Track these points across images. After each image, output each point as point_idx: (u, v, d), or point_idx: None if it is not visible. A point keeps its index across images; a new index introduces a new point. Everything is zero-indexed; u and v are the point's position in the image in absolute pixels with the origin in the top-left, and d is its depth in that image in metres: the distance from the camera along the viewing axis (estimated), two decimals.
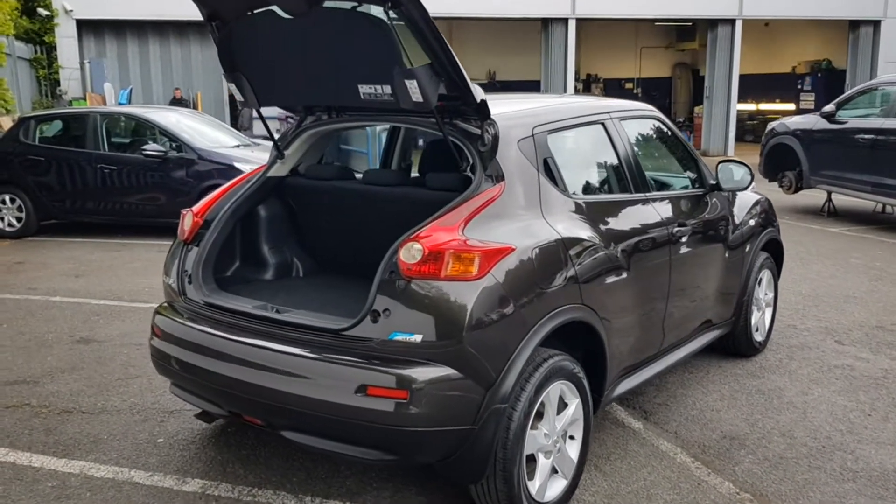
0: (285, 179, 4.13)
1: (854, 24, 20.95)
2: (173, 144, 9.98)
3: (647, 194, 4.17)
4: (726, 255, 4.86)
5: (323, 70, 3.43)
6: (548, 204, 3.44)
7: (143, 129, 10.46)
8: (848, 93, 11.15)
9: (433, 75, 3.12)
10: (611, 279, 3.65)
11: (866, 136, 10.14)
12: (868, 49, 20.85)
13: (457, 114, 3.45)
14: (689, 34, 26.63)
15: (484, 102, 3.26)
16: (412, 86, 3.11)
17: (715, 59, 20.25)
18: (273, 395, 3.14)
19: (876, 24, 20.66)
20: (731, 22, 19.97)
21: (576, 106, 4.11)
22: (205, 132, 10.60)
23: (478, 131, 3.40)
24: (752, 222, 5.22)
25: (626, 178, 4.07)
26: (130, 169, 9.93)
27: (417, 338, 2.94)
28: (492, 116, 3.36)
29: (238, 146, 10.61)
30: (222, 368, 3.30)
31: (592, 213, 3.69)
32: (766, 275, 5.49)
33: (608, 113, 4.14)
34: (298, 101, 3.89)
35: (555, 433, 3.36)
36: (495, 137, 3.38)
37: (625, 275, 3.75)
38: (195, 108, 18.06)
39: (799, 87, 23.41)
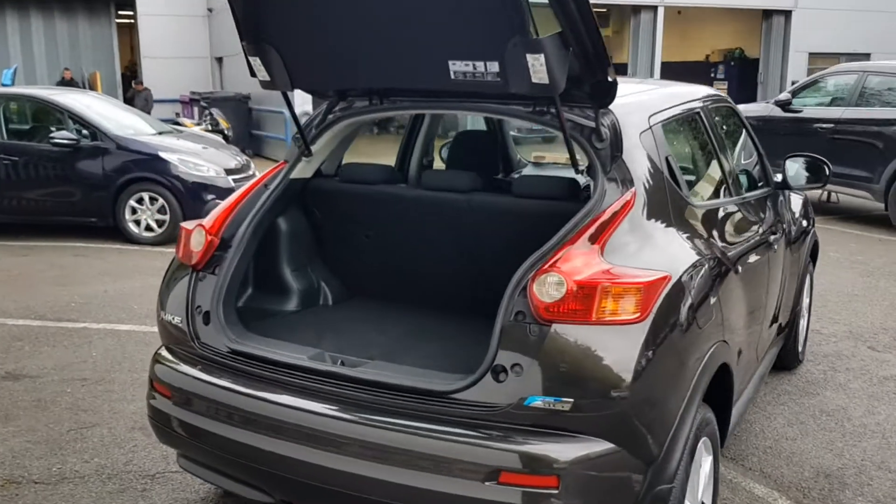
0: (310, 183, 3.25)
1: (767, 14, 21.22)
2: (85, 132, 8.70)
3: (743, 196, 3.55)
4: (793, 260, 4.32)
5: (396, 41, 2.58)
6: (678, 214, 2.74)
7: (48, 115, 9.08)
8: (803, 81, 10.98)
9: (562, 48, 2.34)
10: (735, 303, 2.99)
11: (825, 126, 9.94)
12: (780, 38, 21.18)
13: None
14: (602, 21, 26.51)
15: (615, 84, 2.50)
16: (536, 62, 2.32)
17: (637, 47, 20.08)
18: (356, 482, 2.31)
19: (787, 13, 20.97)
20: (654, 9, 19.84)
21: (675, 91, 3.41)
22: (120, 118, 9.37)
23: (589, 123, 2.65)
24: (804, 223, 4.72)
25: (725, 177, 3.42)
26: (36, 160, 8.60)
27: (565, 403, 2.18)
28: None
29: (160, 133, 9.43)
30: (271, 444, 2.44)
31: (710, 222, 3.02)
32: (807, 279, 5.01)
33: (700, 100, 3.47)
34: (352, 83, 2.98)
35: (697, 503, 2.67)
36: (614, 130, 2.64)
37: (741, 295, 3.10)
38: (92, 90, 16.36)
39: (712, 75, 23.65)
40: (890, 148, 9.20)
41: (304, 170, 3.20)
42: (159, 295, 2.96)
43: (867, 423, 4.26)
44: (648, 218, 2.57)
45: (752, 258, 3.32)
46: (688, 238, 2.70)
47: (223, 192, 8.60)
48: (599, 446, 2.21)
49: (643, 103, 2.96)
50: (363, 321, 3.09)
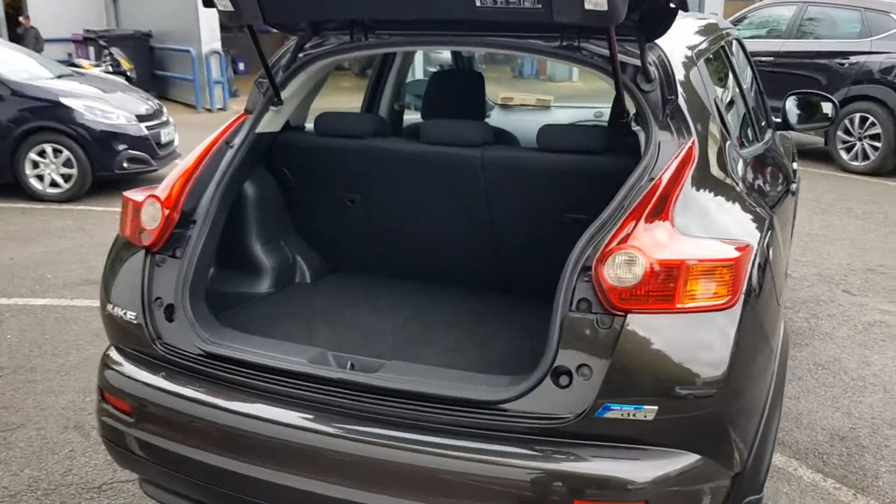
0: (279, 137, 2.69)
1: None
2: None
3: (766, 141, 3.19)
4: (792, 204, 4.04)
5: None
6: (735, 167, 2.35)
7: None
8: (739, 13, 10.74)
9: None
10: (780, 263, 2.63)
11: (764, 59, 9.75)
12: None
13: (592, 31, 2.22)
14: None
15: (676, 11, 2.05)
16: None
17: None
18: None
19: None
20: None
21: (701, 22, 2.97)
22: (12, 60, 8.33)
23: (633, 60, 2.19)
24: (795, 165, 4.42)
25: (752, 119, 3.05)
26: None
27: (649, 411, 1.77)
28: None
29: (59, 77, 8.46)
30: (261, 472, 1.97)
31: (756, 173, 2.66)
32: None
33: (723, 32, 3.06)
34: (339, 12, 2.40)
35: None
36: (664, 68, 2.19)
37: (781, 253, 2.76)
38: None
39: None
40: (832, 82, 9.10)
41: (272, 122, 2.63)
42: (103, 282, 2.39)
43: (865, 376, 4.08)
44: (711, 175, 2.16)
45: (784, 209, 2.99)
46: (747, 195, 2.31)
47: (136, 142, 7.86)
48: (686, 459, 1.82)
49: (684, 35, 2.52)
50: (354, 304, 2.59)
